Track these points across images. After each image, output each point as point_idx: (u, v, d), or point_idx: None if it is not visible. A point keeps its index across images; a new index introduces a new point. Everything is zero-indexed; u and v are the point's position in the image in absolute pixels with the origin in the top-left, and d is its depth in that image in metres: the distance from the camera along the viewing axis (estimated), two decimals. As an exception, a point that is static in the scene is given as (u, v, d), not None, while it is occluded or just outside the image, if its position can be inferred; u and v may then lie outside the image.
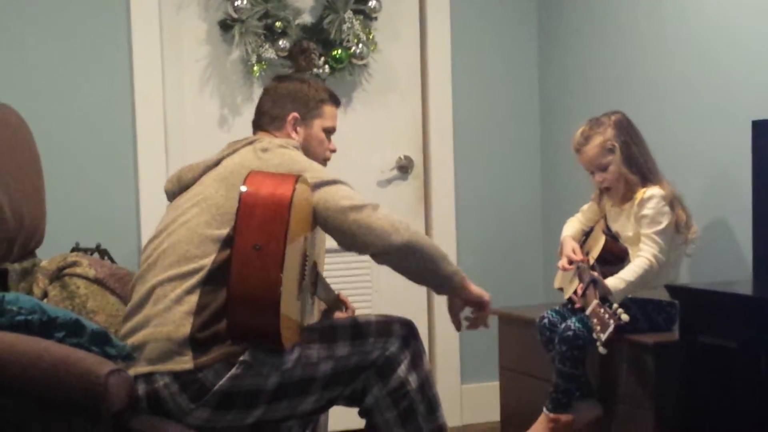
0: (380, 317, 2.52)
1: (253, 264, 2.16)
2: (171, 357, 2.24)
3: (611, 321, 2.82)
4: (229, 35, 3.86)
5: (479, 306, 2.61)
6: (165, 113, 3.82)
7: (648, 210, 3.09)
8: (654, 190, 3.11)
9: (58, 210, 3.11)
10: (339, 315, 2.86)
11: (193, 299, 2.27)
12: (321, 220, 2.37)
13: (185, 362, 2.23)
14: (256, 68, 3.88)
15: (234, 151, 2.48)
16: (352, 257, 3.92)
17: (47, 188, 2.89)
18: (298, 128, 2.63)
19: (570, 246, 3.33)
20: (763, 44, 3.10)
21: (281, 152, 2.43)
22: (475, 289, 2.57)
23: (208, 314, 2.25)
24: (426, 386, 2.49)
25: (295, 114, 2.63)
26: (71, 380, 2.03)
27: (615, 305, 2.88)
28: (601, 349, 2.88)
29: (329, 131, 2.71)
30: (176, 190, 2.53)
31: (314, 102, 2.66)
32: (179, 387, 2.24)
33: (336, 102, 2.74)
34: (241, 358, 2.25)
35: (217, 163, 2.48)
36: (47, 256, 2.79)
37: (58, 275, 2.66)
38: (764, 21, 3.11)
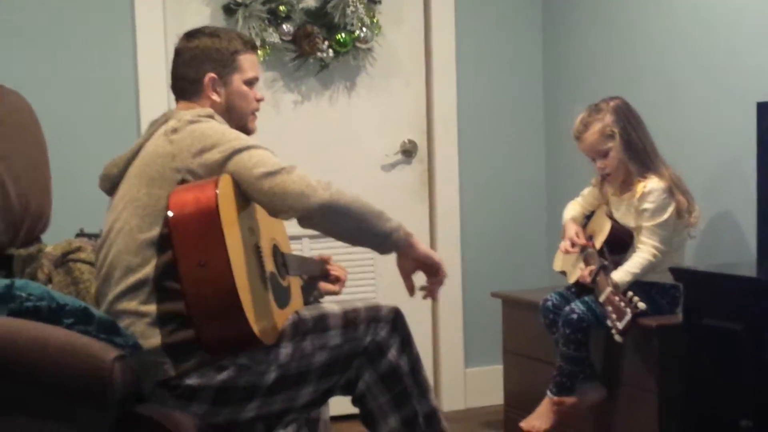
0: (367, 304, 2.49)
1: (204, 281, 2.12)
2: (151, 368, 2.21)
3: (628, 309, 2.81)
4: (233, 20, 3.85)
5: (430, 268, 2.43)
6: (169, 98, 3.80)
7: (649, 204, 3.09)
8: (653, 183, 3.11)
9: (62, 195, 3.11)
10: (326, 286, 2.81)
11: (152, 309, 2.22)
12: (243, 190, 2.27)
13: (167, 371, 2.21)
14: (260, 53, 3.88)
15: (150, 135, 2.39)
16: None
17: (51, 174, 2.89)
18: (218, 89, 2.47)
19: (572, 229, 3.34)
20: (768, 26, 3.10)
21: (191, 129, 2.31)
22: (424, 247, 2.42)
23: (175, 323, 2.21)
24: (416, 369, 2.47)
25: (212, 74, 2.46)
26: (77, 365, 2.03)
27: (630, 293, 2.87)
28: (618, 338, 2.88)
29: (251, 82, 2.53)
30: (109, 187, 2.46)
31: (228, 56, 2.48)
32: (168, 392, 2.22)
33: (252, 47, 2.55)
34: (238, 361, 2.23)
35: (136, 153, 2.39)
36: (51, 241, 2.79)
37: (63, 261, 2.67)
38: (768, 3, 3.10)
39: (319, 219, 2.23)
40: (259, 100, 2.58)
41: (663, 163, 3.19)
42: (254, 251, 2.32)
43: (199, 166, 2.26)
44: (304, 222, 2.24)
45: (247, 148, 2.26)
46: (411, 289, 2.46)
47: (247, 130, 2.54)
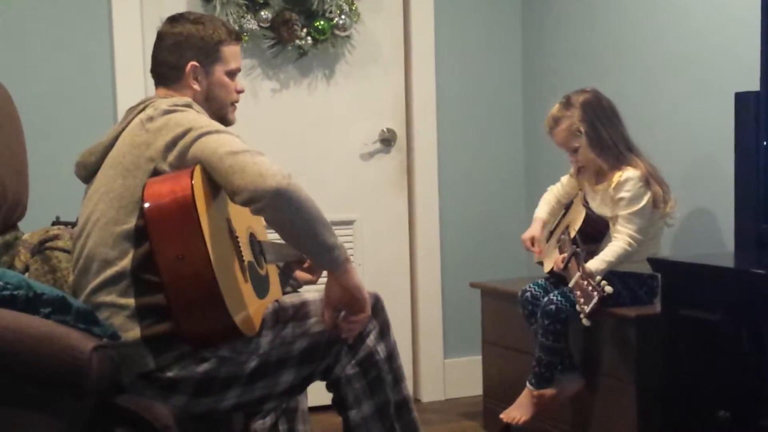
0: None
1: (183, 275, 2.11)
2: (130, 360, 2.19)
3: (595, 293, 2.83)
4: (211, 6, 3.81)
5: (356, 303, 2.31)
6: (146, 85, 3.77)
7: (625, 193, 3.10)
8: (629, 173, 3.11)
9: (39, 183, 3.08)
10: (302, 276, 2.75)
11: (131, 302, 2.20)
12: (209, 173, 2.23)
13: (147, 363, 2.19)
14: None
15: (128, 124, 2.36)
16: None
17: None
18: (199, 77, 2.45)
19: (530, 232, 3.41)
20: (746, 16, 3.10)
21: (167, 119, 2.27)
22: (358, 278, 2.29)
23: (154, 315, 2.19)
24: (393, 357, 2.47)
25: (194, 63, 2.43)
26: (55, 355, 2.00)
27: (598, 277, 2.89)
28: (585, 321, 2.89)
29: (233, 73, 2.51)
30: (85, 175, 2.44)
31: (212, 45, 2.45)
32: (147, 384, 2.21)
33: (236, 38, 2.52)
34: (219, 353, 2.22)
35: (113, 141, 2.36)
36: (27, 229, 2.77)
37: (40, 249, 2.64)
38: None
39: (269, 203, 2.13)
40: (239, 92, 2.56)
41: (638, 155, 3.19)
42: (232, 241, 2.30)
43: (172, 155, 2.23)
44: (254, 204, 2.15)
45: (216, 131, 2.23)
46: (331, 320, 2.33)
47: (226, 122, 2.51)
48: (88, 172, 2.42)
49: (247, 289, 2.29)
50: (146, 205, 2.16)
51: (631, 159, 3.16)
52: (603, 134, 3.16)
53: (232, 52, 2.50)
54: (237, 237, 2.33)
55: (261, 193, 2.12)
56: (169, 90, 2.47)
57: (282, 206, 2.14)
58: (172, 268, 2.12)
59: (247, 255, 2.37)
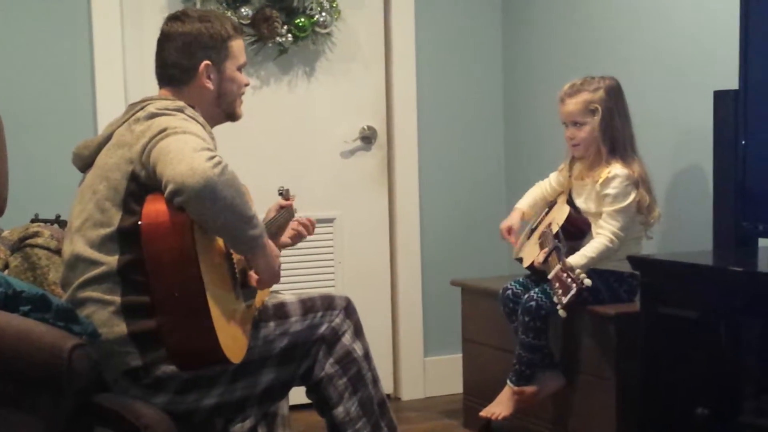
0: (321, 293, 2.52)
1: (178, 312, 2.14)
2: (115, 357, 2.18)
3: (573, 284, 2.83)
4: (191, 2, 3.80)
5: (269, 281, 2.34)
6: (125, 81, 3.76)
7: (611, 189, 3.10)
8: (618, 170, 3.11)
9: (17, 180, 3.06)
10: (296, 227, 2.77)
11: (116, 299, 2.19)
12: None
13: (133, 359, 2.18)
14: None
15: (124, 122, 2.32)
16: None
17: (5, 158, 2.83)
18: (212, 76, 2.43)
19: (508, 223, 3.41)
20: (726, 14, 3.11)
21: (149, 123, 2.24)
22: (270, 263, 2.28)
23: (141, 313, 2.18)
24: (369, 356, 2.52)
25: (207, 62, 2.41)
26: (34, 354, 2.00)
27: (577, 270, 2.89)
28: (562, 313, 2.89)
29: (242, 68, 2.51)
30: (81, 166, 2.42)
31: (221, 42, 2.43)
32: (131, 381, 2.20)
33: (240, 32, 2.51)
34: None
35: (108, 139, 2.34)
36: (5, 227, 2.75)
37: (20, 246, 2.63)
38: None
39: (191, 198, 2.08)
40: (246, 85, 2.55)
41: (637, 158, 3.18)
42: (228, 261, 2.31)
43: (144, 156, 2.20)
44: (177, 197, 2.09)
45: (183, 132, 2.18)
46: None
47: (235, 116, 2.53)
48: (83, 163, 2.41)
49: (238, 304, 2.31)
50: (142, 222, 2.16)
51: (629, 158, 3.15)
52: (616, 123, 3.16)
53: (239, 46, 2.49)
54: (230, 252, 2.34)
55: (185, 187, 2.07)
56: (177, 90, 2.43)
57: (205, 203, 2.09)
58: (167, 306, 2.14)
59: (238, 271, 2.38)
